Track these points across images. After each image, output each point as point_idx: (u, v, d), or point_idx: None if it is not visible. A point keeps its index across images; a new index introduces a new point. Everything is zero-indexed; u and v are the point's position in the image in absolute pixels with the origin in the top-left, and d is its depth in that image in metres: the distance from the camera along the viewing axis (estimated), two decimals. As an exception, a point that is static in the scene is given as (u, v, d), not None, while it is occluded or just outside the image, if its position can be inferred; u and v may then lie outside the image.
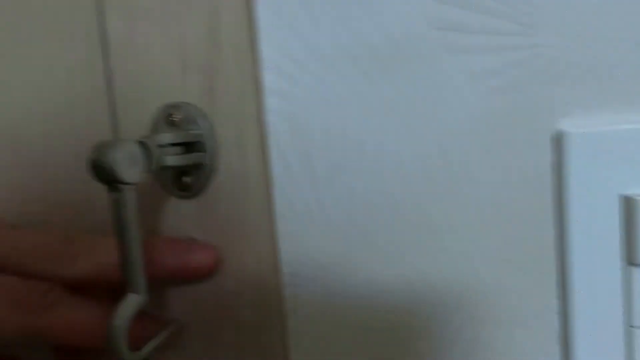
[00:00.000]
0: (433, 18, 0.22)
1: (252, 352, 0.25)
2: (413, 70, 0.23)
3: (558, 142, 0.22)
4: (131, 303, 0.20)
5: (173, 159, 0.22)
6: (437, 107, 0.23)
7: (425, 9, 0.22)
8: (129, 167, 0.20)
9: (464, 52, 0.22)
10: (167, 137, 0.22)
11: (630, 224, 0.21)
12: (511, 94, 0.22)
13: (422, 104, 0.23)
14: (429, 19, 0.22)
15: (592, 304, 0.22)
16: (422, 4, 0.22)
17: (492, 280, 0.24)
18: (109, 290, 0.22)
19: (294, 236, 0.24)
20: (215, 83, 0.23)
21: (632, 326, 0.22)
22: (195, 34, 0.23)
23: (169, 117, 0.23)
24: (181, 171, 0.24)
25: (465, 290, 0.24)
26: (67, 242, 0.23)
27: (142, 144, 0.21)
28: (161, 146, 0.22)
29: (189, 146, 0.23)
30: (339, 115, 0.24)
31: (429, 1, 0.22)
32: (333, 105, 0.24)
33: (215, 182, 0.24)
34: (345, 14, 0.23)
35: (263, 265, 0.24)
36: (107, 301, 0.22)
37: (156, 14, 0.24)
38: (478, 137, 0.23)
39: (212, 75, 0.23)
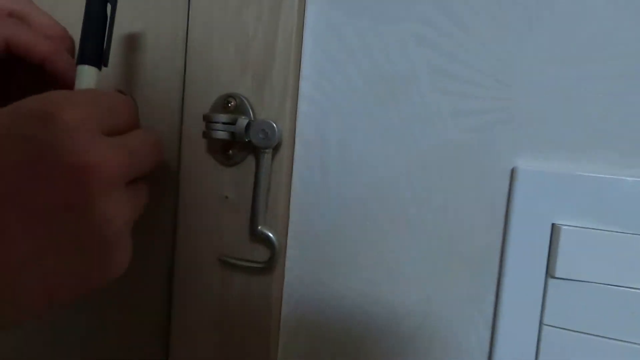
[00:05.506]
0: (433, 66, 0.30)
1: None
2: (412, 102, 0.30)
3: (512, 175, 0.29)
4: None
5: (223, 134, 0.30)
6: (422, 133, 0.30)
7: (426, 57, 0.30)
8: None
9: (452, 94, 0.29)
10: (223, 117, 0.30)
11: (554, 245, 0.27)
12: (483, 133, 0.29)
13: (411, 128, 0.30)
14: (429, 66, 0.30)
15: (517, 306, 0.29)
16: (423, 54, 0.30)
17: (439, 300, 0.30)
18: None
19: (303, 207, 0.32)
20: (265, 85, 0.31)
21: (544, 324, 0.28)
22: (258, 45, 0.31)
23: (226, 103, 0.31)
24: (227, 144, 0.31)
25: (423, 304, 0.31)
26: None
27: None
28: (216, 122, 0.29)
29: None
30: (350, 126, 0.31)
31: (430, 53, 0.29)
32: (349, 118, 0.31)
33: (249, 158, 0.31)
34: (369, 54, 0.30)
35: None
36: None
37: (229, 21, 0.31)
38: (448, 163, 0.30)
39: (263, 78, 0.31)
